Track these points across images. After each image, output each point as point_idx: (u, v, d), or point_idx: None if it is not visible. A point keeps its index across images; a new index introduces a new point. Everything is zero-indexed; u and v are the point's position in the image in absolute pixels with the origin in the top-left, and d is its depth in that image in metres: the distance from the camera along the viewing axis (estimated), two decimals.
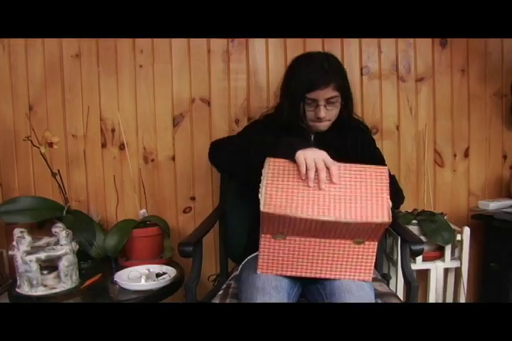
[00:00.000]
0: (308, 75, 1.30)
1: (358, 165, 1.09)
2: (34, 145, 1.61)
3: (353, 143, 1.41)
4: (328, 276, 1.12)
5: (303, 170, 1.08)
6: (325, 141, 1.35)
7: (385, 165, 1.18)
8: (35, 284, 1.37)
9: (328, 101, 1.31)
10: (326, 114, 1.32)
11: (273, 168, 1.08)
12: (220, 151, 1.38)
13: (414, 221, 1.70)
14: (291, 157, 1.11)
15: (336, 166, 1.09)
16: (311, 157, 1.09)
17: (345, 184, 1.06)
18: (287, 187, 1.05)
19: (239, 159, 1.26)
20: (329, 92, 1.30)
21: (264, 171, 1.08)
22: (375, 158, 1.43)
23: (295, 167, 1.08)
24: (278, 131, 1.34)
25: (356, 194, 1.05)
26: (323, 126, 1.37)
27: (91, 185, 1.84)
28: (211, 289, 1.49)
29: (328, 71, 1.30)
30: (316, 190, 1.05)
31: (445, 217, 1.74)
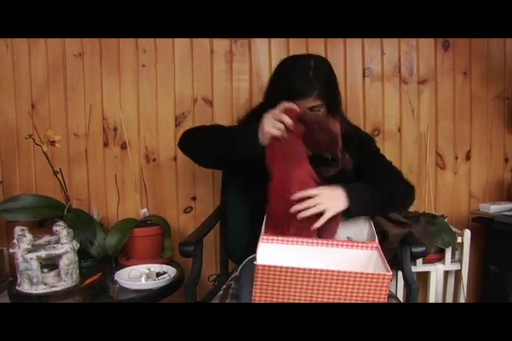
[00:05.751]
0: (290, 83, 1.24)
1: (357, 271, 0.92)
2: (36, 144, 1.61)
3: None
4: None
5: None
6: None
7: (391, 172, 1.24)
8: (36, 282, 1.37)
9: (311, 110, 1.25)
10: None
11: (262, 274, 0.94)
12: (188, 136, 1.36)
13: None
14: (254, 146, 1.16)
15: None
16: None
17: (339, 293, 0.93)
18: (277, 295, 0.94)
19: (205, 145, 1.27)
20: (311, 102, 1.23)
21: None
22: (375, 165, 1.34)
23: (285, 271, 0.93)
24: None
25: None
26: None
27: (92, 183, 1.84)
28: (211, 289, 1.49)
29: (312, 80, 1.23)
30: (307, 298, 0.94)
31: (446, 220, 1.74)
